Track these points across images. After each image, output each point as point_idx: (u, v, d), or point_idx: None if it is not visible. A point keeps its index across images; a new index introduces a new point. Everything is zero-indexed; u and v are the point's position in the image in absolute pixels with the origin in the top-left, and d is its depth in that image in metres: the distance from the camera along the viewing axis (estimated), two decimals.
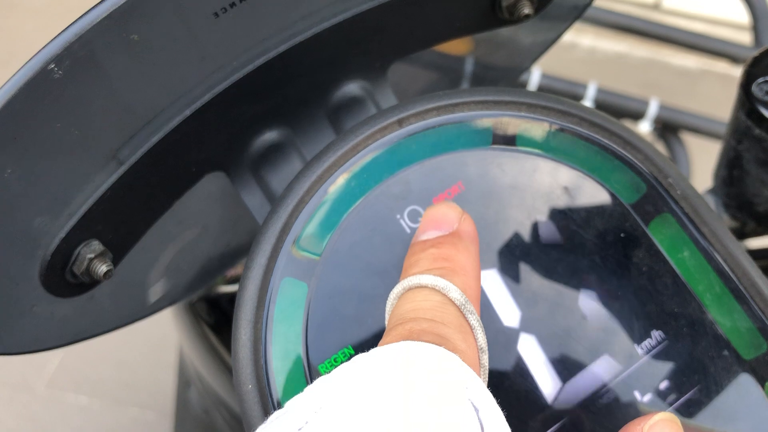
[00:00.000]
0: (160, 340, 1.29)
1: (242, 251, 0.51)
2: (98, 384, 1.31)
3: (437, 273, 0.28)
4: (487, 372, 0.28)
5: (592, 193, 0.36)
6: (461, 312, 0.28)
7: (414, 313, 0.27)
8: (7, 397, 1.29)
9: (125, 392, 1.30)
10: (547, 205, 0.35)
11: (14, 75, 0.27)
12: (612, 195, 0.36)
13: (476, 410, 0.23)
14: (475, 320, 0.28)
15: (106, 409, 1.28)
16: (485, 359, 0.28)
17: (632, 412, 0.33)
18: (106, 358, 1.32)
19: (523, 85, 0.94)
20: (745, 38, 1.07)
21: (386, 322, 0.29)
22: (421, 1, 0.40)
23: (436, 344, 0.25)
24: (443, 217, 0.31)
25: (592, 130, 0.37)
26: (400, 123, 0.36)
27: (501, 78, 0.55)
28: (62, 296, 0.37)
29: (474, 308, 0.28)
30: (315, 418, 0.22)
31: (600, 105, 0.95)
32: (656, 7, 1.92)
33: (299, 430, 0.22)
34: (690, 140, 0.98)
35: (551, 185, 0.36)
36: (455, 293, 0.28)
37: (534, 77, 0.94)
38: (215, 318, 0.65)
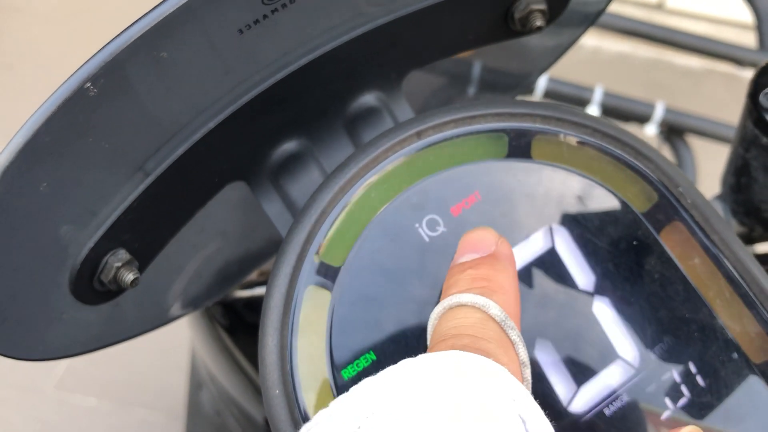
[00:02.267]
0: (168, 341, 1.30)
1: (260, 258, 0.52)
2: (106, 385, 1.31)
3: (476, 292, 0.29)
4: (530, 386, 0.28)
5: (606, 202, 0.37)
6: (501, 328, 0.28)
7: (455, 330, 0.28)
8: (15, 398, 1.29)
9: (133, 394, 1.31)
10: (561, 213, 0.36)
11: (52, 94, 0.28)
12: (624, 204, 0.37)
13: (524, 422, 0.24)
14: (515, 335, 0.28)
15: (114, 410, 1.29)
16: (527, 373, 0.28)
17: (644, 415, 0.34)
18: (114, 360, 1.33)
19: (530, 89, 0.95)
20: (750, 38, 1.07)
21: (428, 341, 0.30)
22: (435, 14, 0.41)
23: None
24: (480, 241, 0.32)
25: (605, 141, 0.38)
26: (419, 135, 0.37)
27: (514, 85, 0.56)
28: (90, 304, 0.38)
29: (514, 324, 0.28)
30: (368, 423, 0.23)
31: (606, 108, 0.96)
32: (659, 7, 1.92)
33: None
34: (696, 143, 0.99)
35: (565, 195, 0.37)
36: (495, 310, 0.28)
37: (541, 81, 0.94)
38: (230, 321, 0.66)
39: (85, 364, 1.33)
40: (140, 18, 0.29)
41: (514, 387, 0.25)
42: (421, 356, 0.26)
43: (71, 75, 0.28)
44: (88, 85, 0.29)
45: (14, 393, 1.30)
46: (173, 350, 1.29)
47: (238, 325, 0.66)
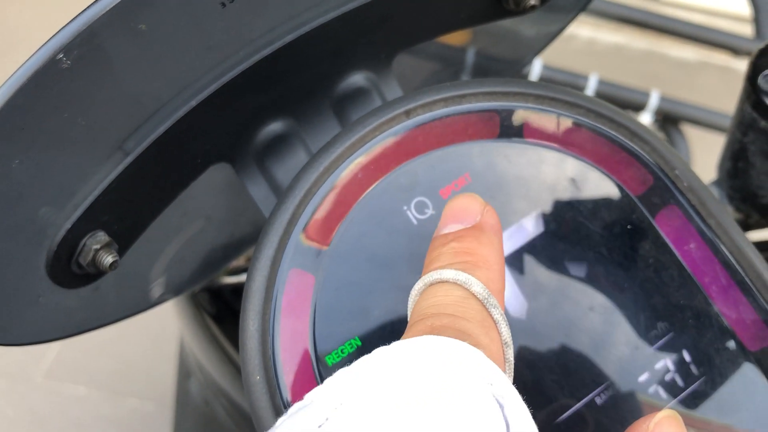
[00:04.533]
0: (158, 330, 1.29)
1: (246, 242, 0.51)
2: (96, 374, 1.31)
3: (459, 267, 0.28)
4: (512, 367, 0.27)
5: (599, 185, 0.36)
6: (484, 306, 0.27)
7: (435, 309, 0.26)
8: (5, 387, 1.29)
9: (124, 383, 1.30)
10: (554, 196, 0.35)
11: (22, 65, 0.27)
12: (619, 187, 0.36)
13: (501, 407, 0.23)
14: (498, 314, 0.27)
15: (104, 399, 1.28)
16: (510, 354, 0.27)
17: (638, 403, 0.33)
18: (105, 349, 1.32)
19: (525, 76, 0.94)
20: (745, 30, 1.07)
21: (408, 319, 0.28)
22: None
23: (459, 340, 0.25)
24: (465, 210, 0.30)
25: (599, 121, 0.37)
26: (408, 114, 0.36)
27: (504, 70, 0.55)
28: (68, 287, 0.37)
29: (497, 302, 0.27)
30: (336, 415, 0.22)
31: (601, 97, 0.94)
32: None
33: (320, 426, 0.21)
34: (690, 132, 0.98)
35: (558, 177, 0.36)
36: (477, 287, 0.27)
37: (535, 69, 0.94)
38: (217, 308, 0.65)
39: (74, 353, 1.32)
40: None
41: (492, 371, 0.24)
42: (395, 344, 0.25)
43: (42, 45, 0.27)
44: (61, 56, 0.27)
45: (3, 382, 1.29)
46: (164, 339, 1.28)
47: (226, 313, 0.65)
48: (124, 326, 0.43)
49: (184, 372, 0.89)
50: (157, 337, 1.30)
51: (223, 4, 0.33)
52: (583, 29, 1.85)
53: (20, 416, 1.26)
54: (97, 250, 0.35)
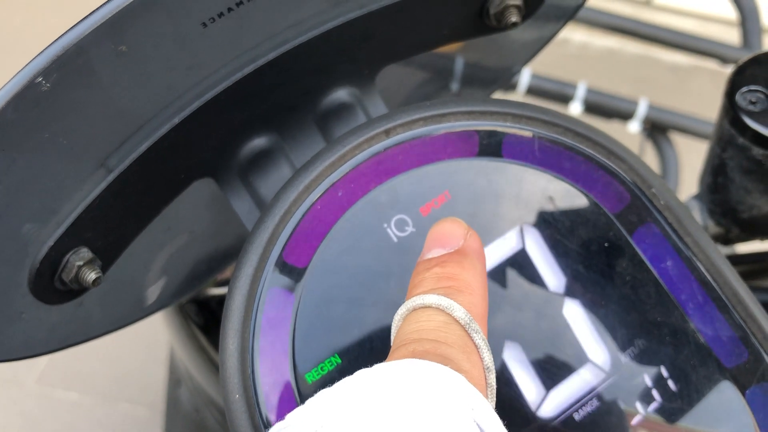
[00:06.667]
0: (151, 335, 1.29)
1: (231, 256, 0.51)
2: (89, 379, 1.30)
3: (441, 292, 0.28)
4: (494, 392, 0.27)
5: (577, 203, 0.36)
6: (466, 331, 0.27)
7: (417, 334, 0.27)
8: None
9: (116, 388, 1.30)
10: (532, 214, 0.36)
11: (1, 89, 0.27)
12: (596, 205, 0.36)
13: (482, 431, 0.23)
14: (480, 339, 0.27)
15: (96, 404, 1.28)
16: (492, 378, 0.27)
17: (615, 419, 0.33)
18: (97, 354, 1.32)
19: (513, 85, 0.94)
20: (736, 35, 1.07)
21: (391, 343, 0.28)
22: (409, 8, 0.40)
23: (441, 365, 0.25)
24: (448, 235, 0.30)
25: (576, 140, 0.37)
26: (388, 133, 0.36)
27: (492, 79, 0.56)
28: (51, 303, 0.37)
29: (480, 327, 0.27)
30: None
31: (589, 105, 0.95)
32: (647, 3, 1.92)
33: None
34: (679, 140, 0.99)
35: (536, 195, 0.36)
36: (459, 312, 0.27)
37: (524, 77, 0.94)
38: (204, 319, 0.65)
39: (67, 358, 1.32)
40: (95, 10, 0.28)
41: (473, 396, 0.24)
42: (377, 366, 0.25)
43: (21, 69, 0.27)
44: (40, 79, 0.28)
45: None
46: (156, 344, 1.28)
47: (213, 324, 0.65)
48: (116, 332, 0.44)
49: (175, 380, 0.89)
50: (149, 343, 1.30)
51: (204, 24, 0.33)
52: (575, 34, 1.86)
53: (12, 422, 1.26)
54: (80, 267, 0.36)
